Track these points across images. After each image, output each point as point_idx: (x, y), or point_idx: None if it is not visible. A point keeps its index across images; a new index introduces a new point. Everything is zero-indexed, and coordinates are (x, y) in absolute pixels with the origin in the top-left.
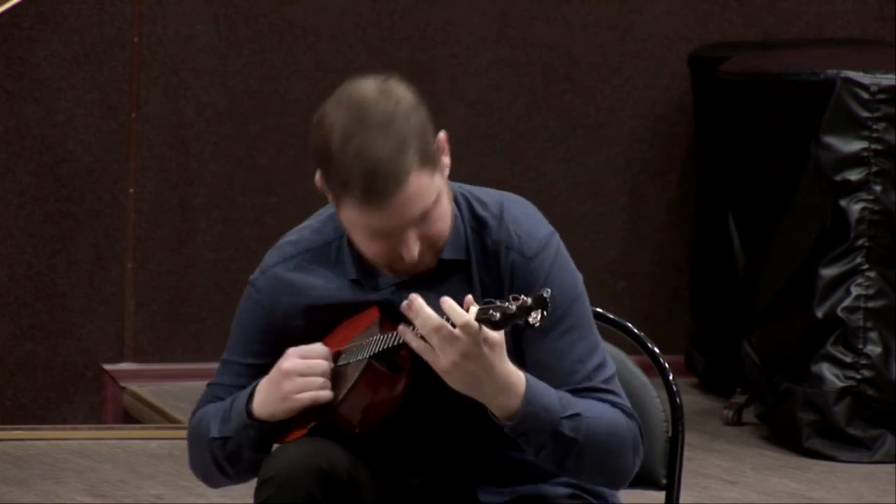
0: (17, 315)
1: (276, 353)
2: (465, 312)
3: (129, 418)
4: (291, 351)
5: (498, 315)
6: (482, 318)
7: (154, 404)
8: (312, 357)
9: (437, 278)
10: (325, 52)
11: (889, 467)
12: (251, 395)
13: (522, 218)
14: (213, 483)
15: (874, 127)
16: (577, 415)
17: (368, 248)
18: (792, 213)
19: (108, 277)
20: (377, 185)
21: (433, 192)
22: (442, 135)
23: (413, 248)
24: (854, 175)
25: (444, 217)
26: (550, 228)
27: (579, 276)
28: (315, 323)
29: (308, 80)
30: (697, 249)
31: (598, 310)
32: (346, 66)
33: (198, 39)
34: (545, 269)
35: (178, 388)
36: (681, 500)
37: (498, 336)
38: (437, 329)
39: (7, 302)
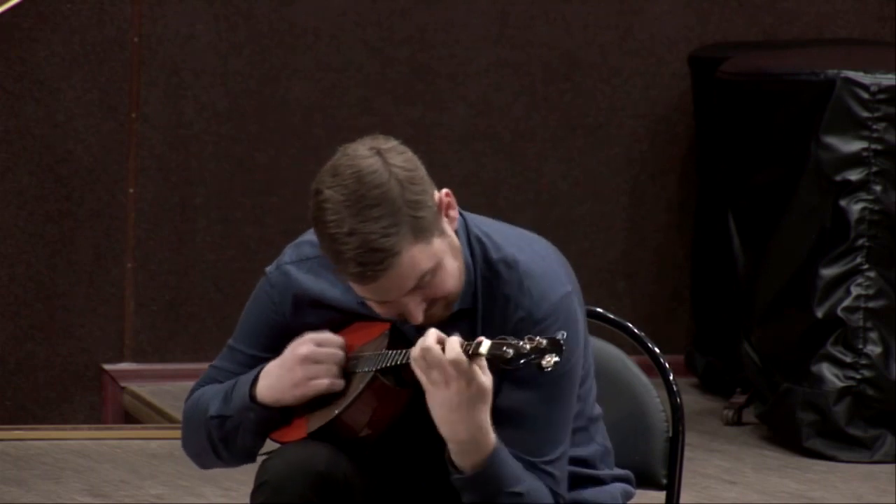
0: (17, 315)
1: (280, 350)
2: (458, 349)
3: (129, 418)
4: (307, 336)
5: (511, 352)
6: (494, 354)
7: (154, 404)
8: (328, 345)
9: (440, 325)
10: (325, 52)
11: (889, 467)
12: (256, 378)
13: (539, 273)
14: (203, 464)
15: (874, 127)
16: (520, 494)
17: (374, 307)
18: (792, 213)
19: (108, 277)
20: (367, 267)
21: (430, 260)
22: (443, 193)
23: (417, 314)
24: (854, 175)
25: (449, 277)
26: (567, 288)
27: (578, 348)
28: (323, 324)
29: (308, 80)
30: (697, 249)
31: (598, 310)
32: (346, 66)
33: (198, 39)
34: (550, 333)
35: (178, 388)
36: (681, 500)
37: (486, 385)
38: (425, 353)
39: (7, 302)
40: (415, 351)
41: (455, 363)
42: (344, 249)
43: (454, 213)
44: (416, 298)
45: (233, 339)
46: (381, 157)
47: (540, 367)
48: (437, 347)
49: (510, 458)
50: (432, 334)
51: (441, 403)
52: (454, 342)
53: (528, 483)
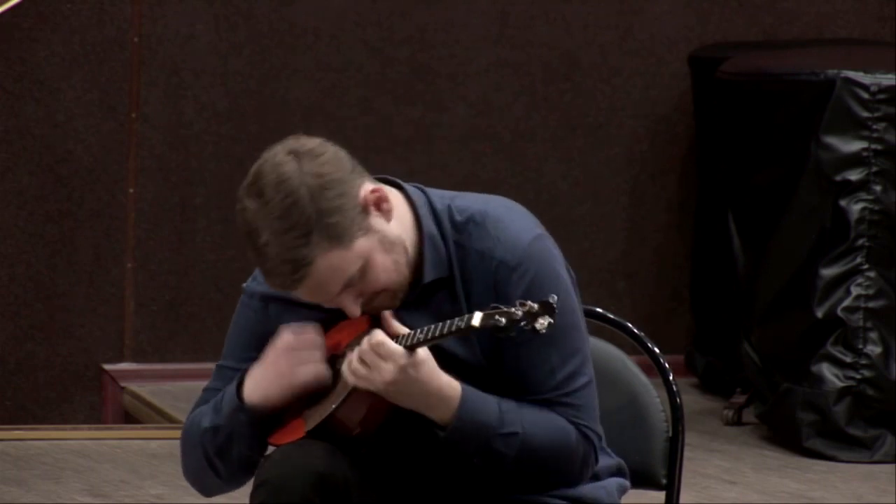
0: (17, 315)
1: None
2: (381, 333)
3: (129, 418)
4: (284, 329)
5: (504, 320)
6: (487, 324)
7: (154, 404)
8: (306, 333)
9: (420, 298)
10: (325, 52)
11: (889, 467)
12: (241, 381)
13: (507, 221)
14: (206, 487)
15: (874, 127)
16: (514, 434)
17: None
18: (792, 213)
19: (108, 277)
20: (284, 278)
21: (352, 262)
22: (367, 191)
23: (353, 309)
24: (854, 175)
25: (381, 273)
26: (537, 231)
27: (565, 280)
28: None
29: (308, 80)
30: (697, 249)
31: (598, 310)
32: (346, 66)
33: (198, 39)
34: (529, 276)
35: (178, 388)
36: (681, 500)
37: (423, 354)
38: (363, 353)
39: (7, 302)
40: (348, 378)
41: (376, 346)
42: (263, 260)
43: (387, 205)
44: (350, 297)
45: (222, 359)
46: (298, 162)
47: (535, 330)
48: (359, 364)
49: (489, 401)
50: (356, 351)
51: (395, 397)
52: (377, 341)
53: (528, 419)
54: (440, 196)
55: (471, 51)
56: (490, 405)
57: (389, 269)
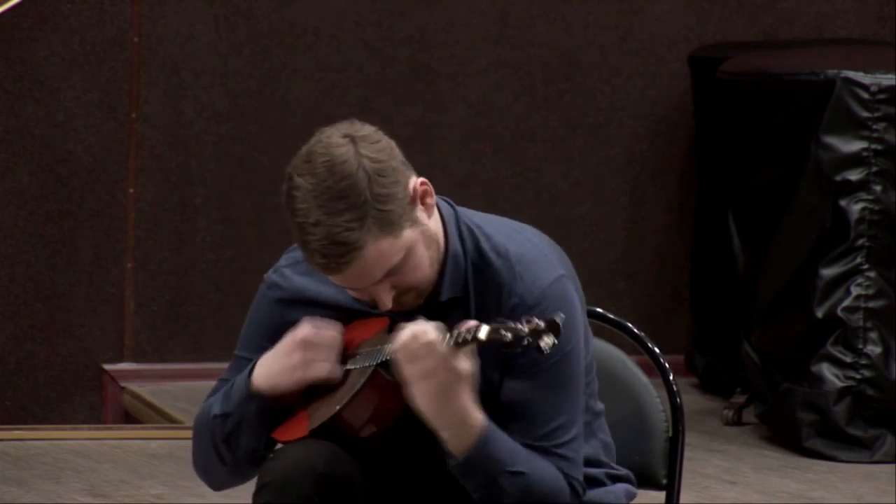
0: (17, 315)
1: None
2: (434, 333)
3: (129, 418)
4: (305, 321)
5: (510, 335)
6: (493, 338)
7: (154, 404)
8: (327, 330)
9: (433, 313)
10: (325, 52)
11: (889, 467)
12: (252, 369)
13: (530, 260)
14: (212, 478)
15: (874, 127)
16: (521, 473)
17: (348, 290)
18: (792, 213)
19: (108, 277)
20: (331, 260)
21: (397, 252)
22: (418, 182)
23: (384, 301)
24: (854, 175)
25: (419, 266)
26: (559, 271)
27: (577, 330)
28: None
29: (308, 80)
30: (697, 249)
31: (598, 310)
32: (346, 66)
33: (198, 39)
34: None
35: (178, 388)
36: (681, 500)
37: (467, 368)
38: (410, 339)
39: (7, 302)
40: (395, 344)
41: (429, 345)
42: (309, 240)
43: (431, 200)
44: (385, 287)
45: (237, 349)
46: (354, 146)
47: (539, 349)
48: (415, 338)
49: (505, 439)
50: (409, 327)
51: (423, 393)
52: (429, 328)
53: (533, 463)
54: (469, 216)
55: (471, 51)
56: (505, 441)
57: (426, 264)
